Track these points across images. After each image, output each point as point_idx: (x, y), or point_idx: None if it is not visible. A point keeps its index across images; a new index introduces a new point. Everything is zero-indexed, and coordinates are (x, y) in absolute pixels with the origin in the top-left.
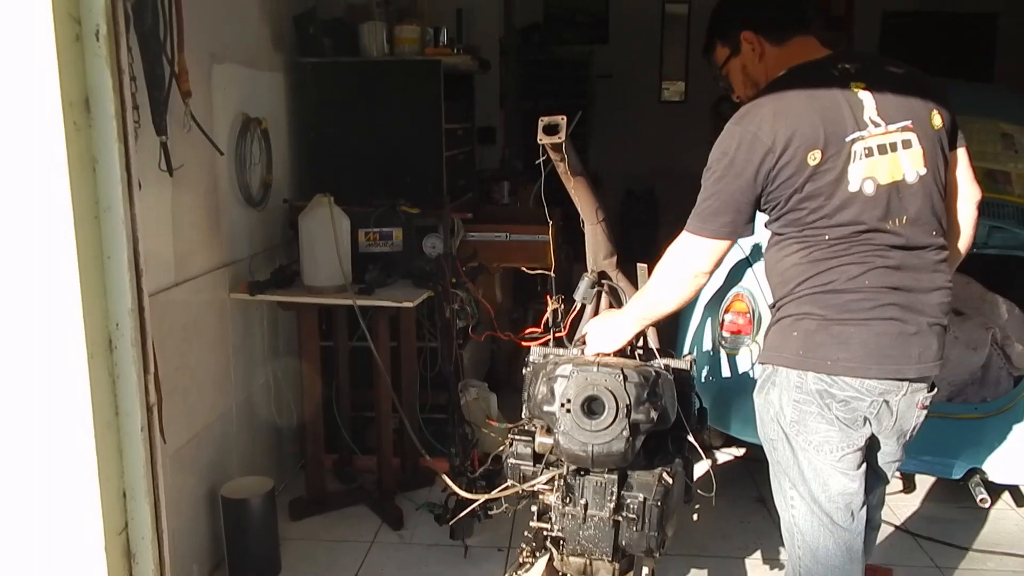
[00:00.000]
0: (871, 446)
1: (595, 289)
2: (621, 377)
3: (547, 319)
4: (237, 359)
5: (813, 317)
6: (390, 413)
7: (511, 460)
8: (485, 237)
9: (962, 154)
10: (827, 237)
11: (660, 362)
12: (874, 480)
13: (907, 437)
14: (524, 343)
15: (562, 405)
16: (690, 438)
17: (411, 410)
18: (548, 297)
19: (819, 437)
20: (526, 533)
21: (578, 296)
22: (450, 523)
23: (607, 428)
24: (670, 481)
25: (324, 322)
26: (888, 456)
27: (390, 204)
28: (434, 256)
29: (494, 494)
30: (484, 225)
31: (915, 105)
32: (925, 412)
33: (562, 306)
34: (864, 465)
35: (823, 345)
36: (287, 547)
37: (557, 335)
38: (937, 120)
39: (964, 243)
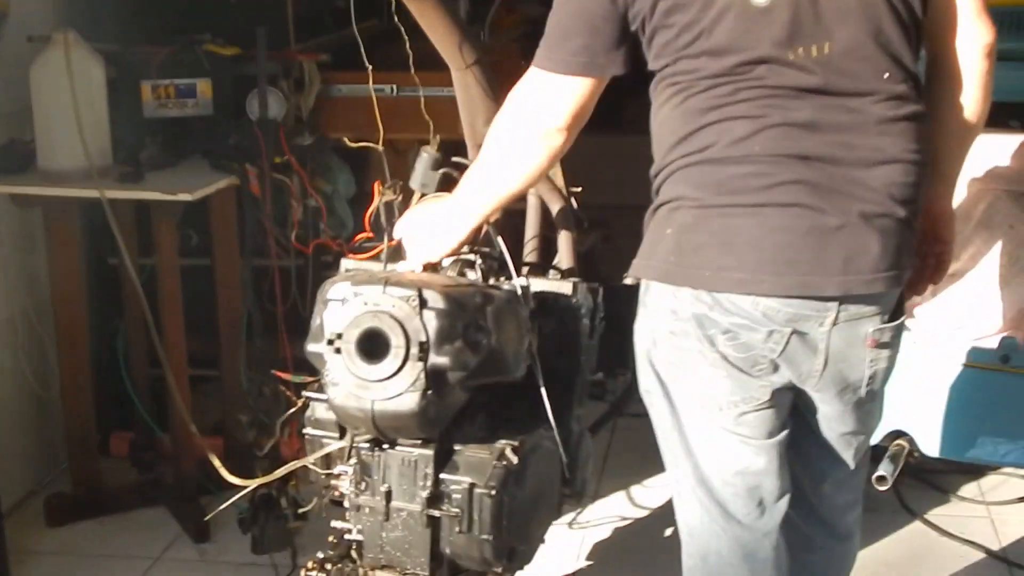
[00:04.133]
0: (803, 405)
1: (439, 172)
2: (417, 302)
3: (371, 217)
4: None
5: (688, 203)
6: (183, 370)
7: (308, 430)
8: (361, 91)
9: None
10: (703, 73)
11: (519, 281)
12: (821, 462)
13: (860, 392)
14: (353, 255)
15: (330, 342)
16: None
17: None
18: (377, 185)
19: (703, 386)
20: (331, 538)
21: (415, 182)
22: (248, 532)
23: (392, 377)
24: (515, 461)
25: (96, 229)
26: (833, 422)
27: (187, 41)
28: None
29: (262, 480)
30: (359, 73)
31: None
32: (887, 354)
33: (398, 196)
34: (783, 433)
35: (701, 248)
36: (33, 563)
37: (392, 242)
38: None
39: (970, 106)
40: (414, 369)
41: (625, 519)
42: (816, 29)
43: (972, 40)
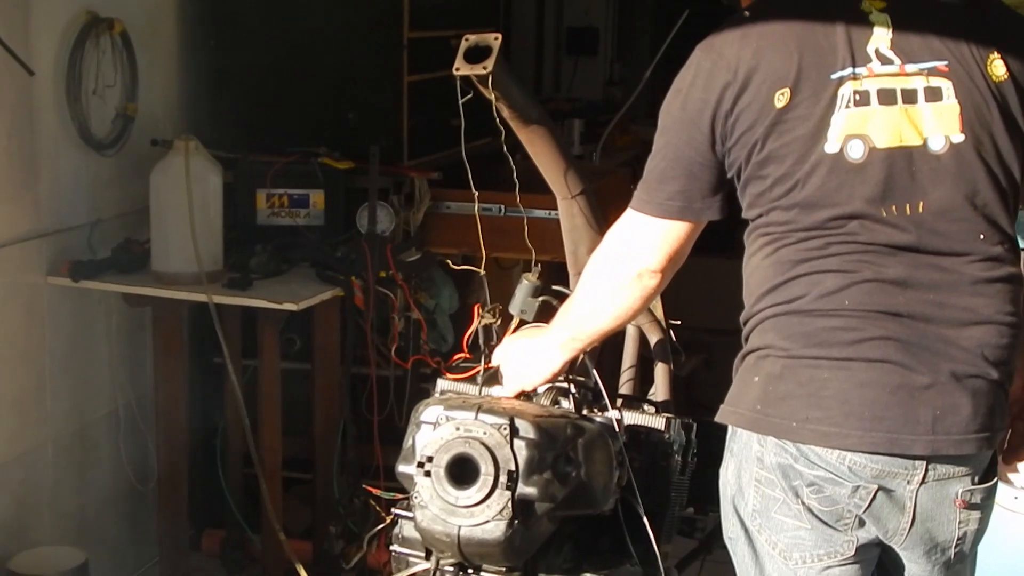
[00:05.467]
0: (890, 563)
1: (539, 299)
2: (508, 430)
3: (469, 338)
4: (60, 376)
5: (776, 352)
6: (277, 472)
7: (394, 547)
8: (469, 209)
9: None
10: (795, 226)
11: (612, 414)
12: None
13: (949, 553)
14: (450, 375)
15: (420, 464)
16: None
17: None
18: (477, 308)
19: (787, 537)
20: None
21: (514, 308)
22: None
23: (479, 504)
24: None
25: (203, 329)
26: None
27: (304, 153)
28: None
29: None
30: (469, 192)
31: (960, 41)
32: (978, 516)
33: (497, 320)
34: None
35: (788, 398)
36: None
37: (488, 365)
38: (1000, 68)
39: None
40: (502, 497)
41: None
42: (911, 188)
43: None
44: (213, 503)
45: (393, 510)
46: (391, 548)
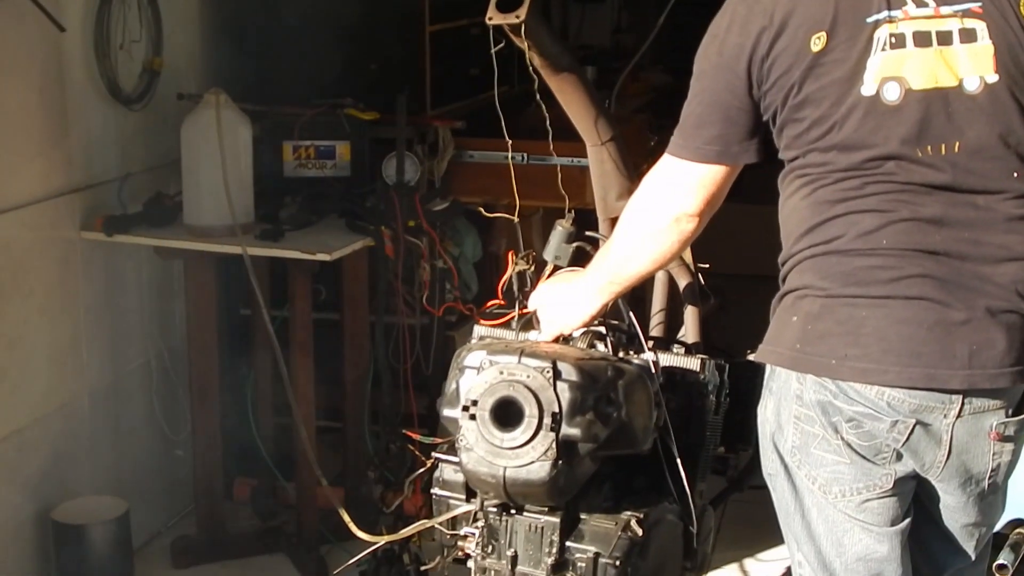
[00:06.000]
0: (926, 495)
1: (573, 244)
2: (551, 373)
3: (505, 285)
4: (95, 329)
5: (815, 292)
6: (311, 420)
7: (435, 490)
8: (492, 158)
9: None
10: (832, 167)
11: (647, 356)
12: (943, 552)
13: (983, 484)
14: (484, 321)
15: (465, 408)
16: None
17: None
18: (510, 254)
19: (827, 472)
20: None
21: (549, 254)
22: None
23: (524, 445)
24: (639, 533)
25: (231, 281)
26: (956, 512)
27: (330, 105)
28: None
29: (392, 537)
30: (490, 140)
31: None
32: (1011, 448)
33: (531, 267)
34: (906, 521)
35: (827, 336)
36: None
37: (524, 310)
38: None
39: None
40: (546, 439)
41: None
42: (947, 128)
43: None
44: (246, 452)
45: (434, 454)
46: (432, 491)
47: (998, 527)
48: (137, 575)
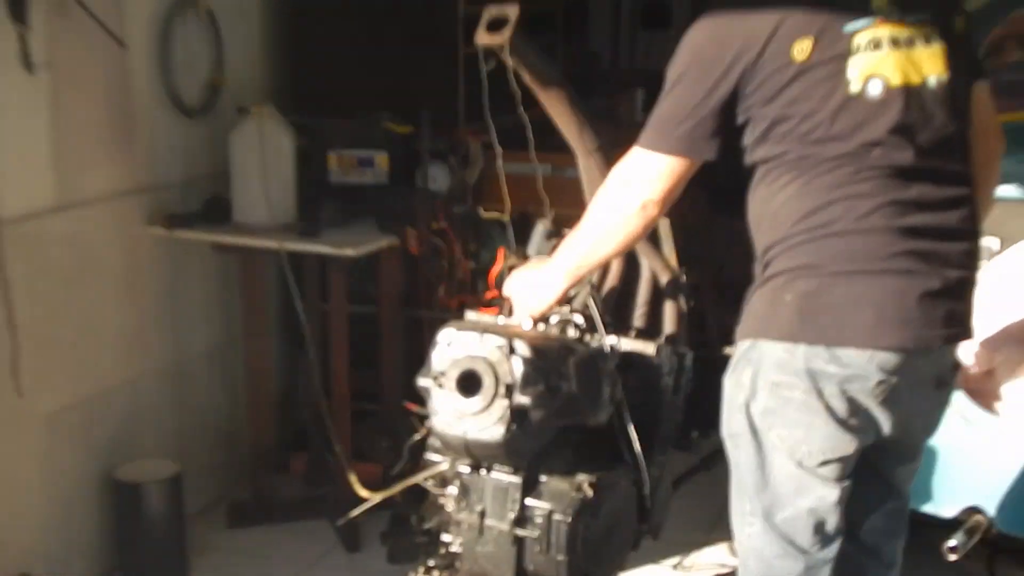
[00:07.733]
0: (872, 448)
1: (551, 241)
2: (508, 349)
3: (496, 277)
4: (161, 315)
5: (812, 271)
6: (346, 400)
7: (427, 455)
8: (520, 170)
9: (985, 89)
10: (826, 156)
11: (609, 340)
12: (882, 491)
13: (921, 427)
14: (483, 309)
15: (434, 378)
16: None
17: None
18: (502, 251)
19: (798, 434)
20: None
21: (531, 250)
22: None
23: (483, 411)
24: (590, 494)
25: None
26: (903, 457)
27: (369, 118)
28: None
29: (383, 494)
30: (520, 153)
31: (936, 1)
32: (947, 393)
33: (521, 262)
34: (851, 473)
35: (828, 309)
36: (210, 557)
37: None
38: (960, 25)
39: (989, 194)
40: (501, 406)
41: (725, 566)
42: (920, 119)
43: (994, 137)
44: (300, 431)
45: (427, 423)
46: (424, 455)
47: (954, 513)
48: (194, 535)
